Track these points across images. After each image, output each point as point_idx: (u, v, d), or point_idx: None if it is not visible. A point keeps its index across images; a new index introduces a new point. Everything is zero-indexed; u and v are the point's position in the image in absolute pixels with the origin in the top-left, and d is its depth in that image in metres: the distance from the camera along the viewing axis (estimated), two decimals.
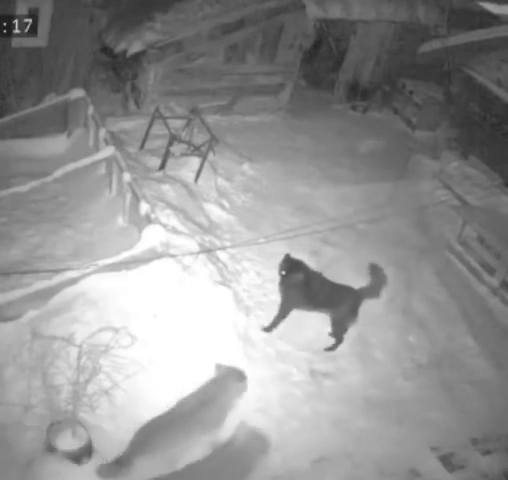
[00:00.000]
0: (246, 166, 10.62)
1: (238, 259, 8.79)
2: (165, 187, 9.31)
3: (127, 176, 8.41)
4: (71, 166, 8.69)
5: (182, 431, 6.17)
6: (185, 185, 9.62)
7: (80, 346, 5.80)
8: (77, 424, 6.11)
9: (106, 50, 11.14)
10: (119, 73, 11.48)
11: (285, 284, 7.81)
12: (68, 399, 5.99)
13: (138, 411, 6.48)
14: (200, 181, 9.80)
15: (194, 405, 6.33)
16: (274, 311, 8.03)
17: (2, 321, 6.64)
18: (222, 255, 8.66)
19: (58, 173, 8.59)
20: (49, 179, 8.56)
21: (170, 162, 9.82)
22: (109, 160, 8.86)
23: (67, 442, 6.04)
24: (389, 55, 13.10)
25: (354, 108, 13.34)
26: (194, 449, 6.26)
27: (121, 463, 5.96)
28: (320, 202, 10.28)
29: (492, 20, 11.11)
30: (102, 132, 9.20)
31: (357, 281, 8.91)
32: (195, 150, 9.89)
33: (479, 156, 11.57)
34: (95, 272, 7.12)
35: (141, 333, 6.51)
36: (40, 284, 6.88)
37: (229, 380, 6.63)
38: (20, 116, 9.57)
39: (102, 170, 9.13)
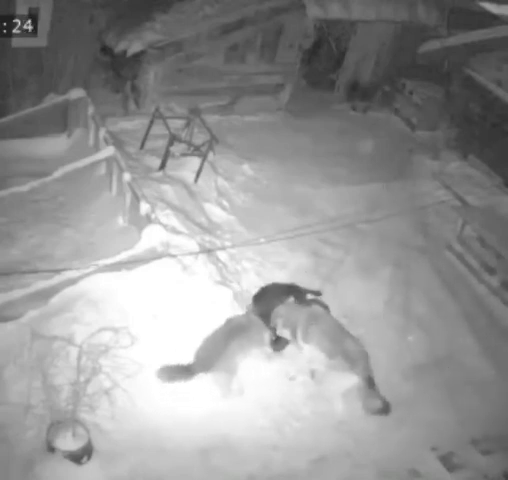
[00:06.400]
0: (246, 166, 10.61)
1: (238, 259, 8.78)
2: (165, 187, 9.30)
3: (127, 176, 8.40)
4: (71, 166, 8.68)
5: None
6: (185, 185, 9.61)
7: (80, 346, 5.80)
8: (77, 424, 6.11)
9: (106, 50, 11.15)
10: (119, 73, 11.47)
11: None
12: (68, 399, 5.99)
13: (138, 411, 6.49)
14: (200, 181, 9.79)
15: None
16: None
17: (2, 321, 6.64)
18: (222, 255, 8.66)
19: (58, 173, 8.58)
20: (49, 179, 8.55)
21: (170, 162, 9.82)
22: (109, 160, 8.85)
23: (67, 442, 6.04)
24: (389, 55, 13.09)
25: (354, 108, 13.33)
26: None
27: (185, 372, 6.83)
28: (320, 202, 10.27)
29: (492, 20, 11.12)
30: (102, 132, 9.19)
31: (357, 281, 8.94)
32: (195, 150, 9.88)
33: (479, 156, 11.58)
34: (95, 272, 7.11)
35: (141, 333, 6.51)
36: (40, 284, 6.87)
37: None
38: (20, 116, 9.56)
39: (102, 170, 9.12)
